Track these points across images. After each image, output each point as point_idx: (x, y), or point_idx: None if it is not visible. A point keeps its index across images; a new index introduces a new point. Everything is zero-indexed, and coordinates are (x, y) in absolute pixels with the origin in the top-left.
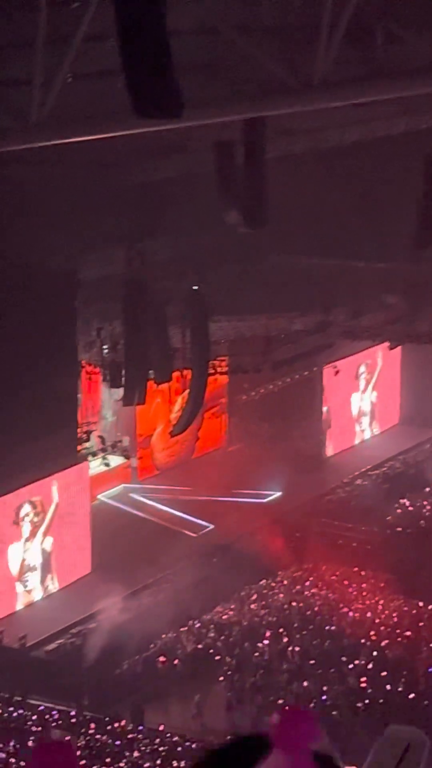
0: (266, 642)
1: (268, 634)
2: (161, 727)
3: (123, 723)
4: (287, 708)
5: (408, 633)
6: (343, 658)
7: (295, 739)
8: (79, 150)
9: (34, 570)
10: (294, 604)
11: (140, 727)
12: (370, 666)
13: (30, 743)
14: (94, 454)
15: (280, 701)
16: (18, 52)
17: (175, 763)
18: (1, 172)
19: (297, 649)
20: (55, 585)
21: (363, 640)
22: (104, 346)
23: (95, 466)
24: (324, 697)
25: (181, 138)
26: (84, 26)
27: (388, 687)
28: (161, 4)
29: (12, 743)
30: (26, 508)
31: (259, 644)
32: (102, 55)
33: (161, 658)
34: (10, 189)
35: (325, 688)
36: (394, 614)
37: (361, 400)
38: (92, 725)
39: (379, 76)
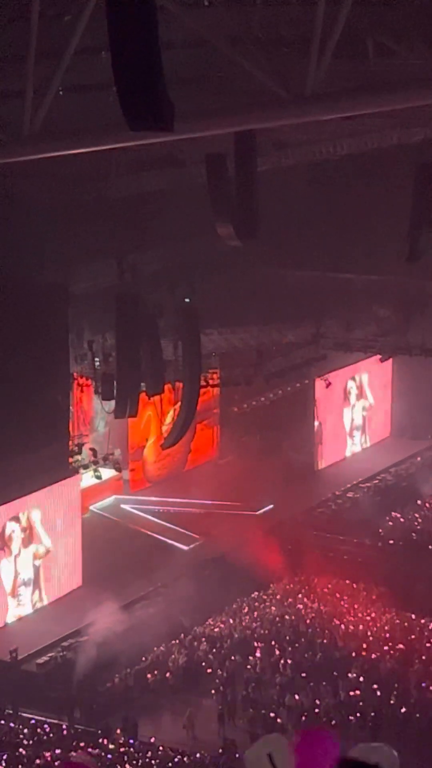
0: (258, 655)
1: (260, 646)
2: (153, 740)
3: (115, 736)
4: (307, 730)
5: (400, 645)
6: (335, 671)
7: (316, 762)
8: (71, 163)
9: (27, 585)
10: (286, 616)
11: (132, 741)
12: (362, 679)
13: (23, 751)
14: (85, 467)
15: (272, 714)
16: (10, 65)
17: None
18: None
19: (289, 661)
20: (45, 599)
21: (355, 653)
22: (96, 359)
23: (87, 478)
24: (316, 711)
25: (172, 151)
26: (76, 39)
27: (380, 700)
28: (153, 17)
29: (4, 756)
30: (13, 524)
31: (251, 657)
32: (94, 68)
33: (153, 672)
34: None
35: (317, 701)
36: (386, 627)
37: (352, 413)
38: (84, 739)
39: (371, 89)
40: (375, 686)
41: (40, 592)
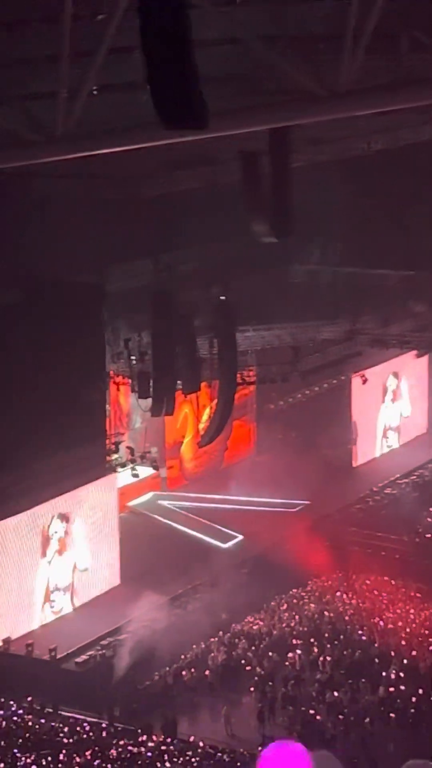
0: (297, 652)
1: (298, 644)
2: (192, 738)
3: (154, 734)
4: (276, 743)
5: None
6: (374, 668)
7: None
8: (105, 162)
9: (63, 587)
10: (325, 614)
11: (172, 739)
12: (401, 676)
13: (62, 756)
14: (123, 465)
15: (311, 711)
16: (43, 65)
17: None
18: (26, 186)
19: (328, 659)
20: (82, 599)
21: (394, 650)
22: (132, 357)
23: (124, 477)
24: (355, 707)
25: (206, 149)
26: (109, 38)
27: (420, 697)
28: (186, 15)
29: (44, 755)
30: (54, 524)
31: (290, 654)
32: (127, 67)
33: (192, 669)
34: (35, 203)
35: (356, 699)
36: (426, 623)
37: (389, 409)
38: (123, 737)
39: (405, 84)
40: (414, 683)
41: (80, 591)
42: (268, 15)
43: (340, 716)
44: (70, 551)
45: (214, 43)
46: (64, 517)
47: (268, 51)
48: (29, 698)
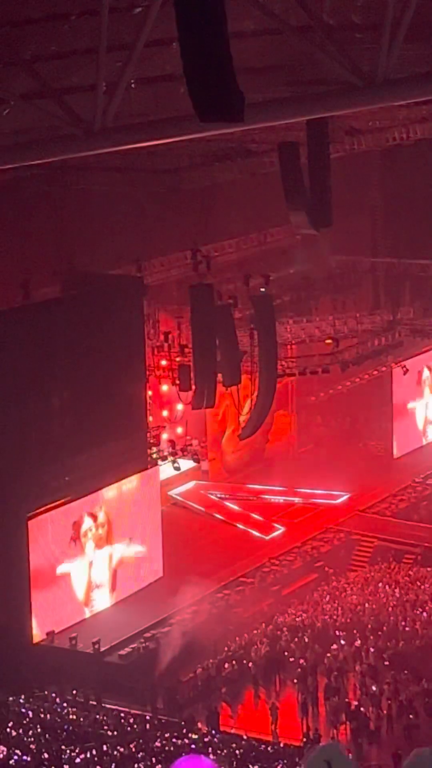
0: (341, 643)
1: (341, 635)
2: (236, 731)
3: (198, 727)
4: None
5: None
6: (418, 659)
7: None
8: (144, 155)
9: (104, 580)
10: (367, 605)
11: (215, 731)
12: None
13: (105, 748)
14: (164, 458)
15: (355, 703)
16: (81, 60)
17: (250, 767)
18: (65, 180)
19: (371, 650)
20: (125, 591)
21: None
22: (172, 350)
23: (166, 469)
24: (400, 699)
25: (244, 141)
26: (146, 31)
27: None
28: (222, 7)
29: (89, 747)
30: (96, 517)
31: (333, 646)
32: (164, 60)
33: (235, 662)
34: (74, 197)
35: (399, 690)
36: None
37: (429, 399)
38: (167, 729)
39: None
40: None
41: (114, 587)
42: (305, 5)
43: (383, 708)
44: (111, 544)
45: (251, 34)
46: (106, 511)
47: (305, 41)
48: (73, 691)
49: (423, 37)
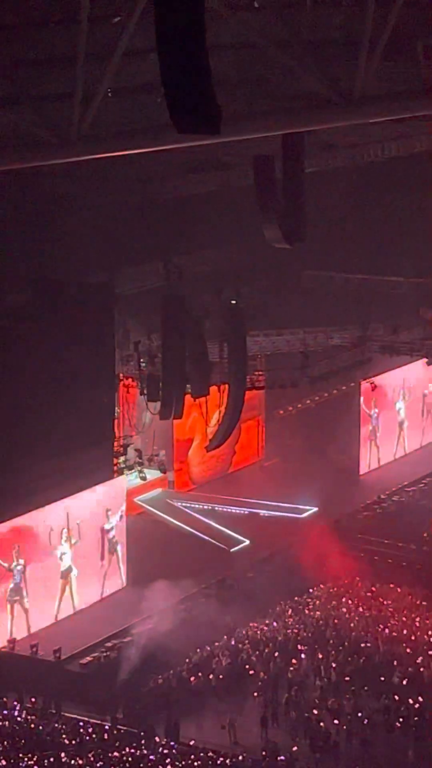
0: (302, 657)
1: (303, 650)
2: (195, 743)
3: (157, 738)
4: None
5: None
6: (379, 676)
7: None
8: (118, 165)
9: (69, 588)
10: (330, 620)
11: (174, 743)
12: (405, 683)
13: (64, 757)
14: (130, 468)
15: (315, 717)
16: (59, 67)
17: None
18: (38, 187)
19: (332, 665)
20: (88, 600)
21: (399, 658)
22: (142, 360)
23: (132, 479)
24: (359, 715)
25: (220, 153)
26: (125, 41)
27: (423, 705)
28: (201, 19)
29: (47, 756)
30: (62, 525)
31: (294, 660)
32: (142, 70)
33: (196, 673)
34: (48, 203)
35: (359, 705)
36: (430, 632)
37: (398, 416)
38: (126, 739)
39: (419, 92)
40: (418, 691)
41: (78, 596)
42: (284, 20)
43: (343, 723)
44: (76, 551)
45: (230, 47)
46: (72, 518)
47: (284, 56)
48: (33, 699)
49: (401, 56)
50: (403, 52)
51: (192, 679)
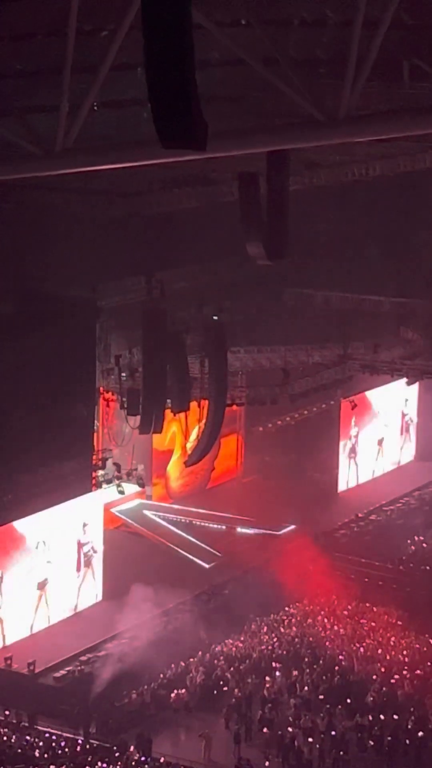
0: (276, 675)
1: (278, 667)
2: (168, 758)
3: (129, 753)
4: None
5: (418, 671)
6: (353, 694)
7: None
8: (103, 178)
9: (43, 601)
10: (305, 638)
11: (146, 758)
12: (379, 702)
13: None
14: (109, 482)
15: (288, 735)
16: (45, 79)
17: None
18: (22, 199)
19: (307, 683)
20: (62, 614)
21: (373, 677)
22: (122, 374)
23: (110, 493)
24: (333, 733)
25: (205, 169)
26: (112, 55)
27: (397, 724)
28: (189, 35)
29: None
30: (38, 538)
31: (269, 677)
32: (129, 84)
33: (170, 689)
34: (31, 216)
35: (333, 724)
36: (405, 651)
37: (377, 435)
38: (98, 754)
39: (405, 112)
40: (392, 711)
41: (52, 609)
42: (271, 37)
43: (316, 741)
44: (52, 565)
45: (217, 63)
46: (48, 531)
47: (270, 73)
48: (6, 711)
49: (387, 76)
50: (389, 72)
51: (166, 694)
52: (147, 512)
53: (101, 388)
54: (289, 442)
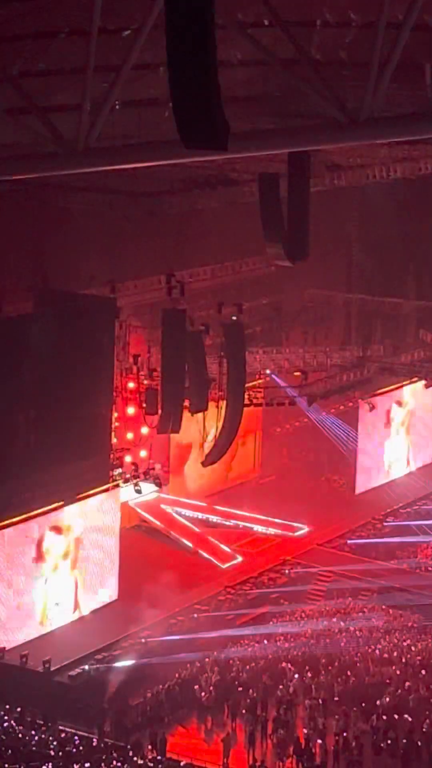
0: (292, 676)
1: (293, 668)
2: (182, 758)
3: (144, 752)
4: None
5: None
6: (368, 697)
7: None
8: (124, 178)
9: (60, 599)
10: (320, 639)
11: (161, 757)
12: (393, 705)
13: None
14: (126, 481)
15: (302, 736)
16: (68, 79)
17: None
18: (43, 198)
19: (321, 684)
20: (79, 612)
21: (389, 679)
22: (141, 373)
23: (127, 492)
24: (345, 734)
25: (225, 169)
26: (134, 54)
27: (412, 727)
28: (212, 36)
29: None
30: (54, 536)
31: (283, 678)
32: (151, 84)
33: (185, 688)
34: (52, 215)
35: (347, 725)
36: (420, 655)
37: (395, 437)
38: (113, 752)
39: (427, 114)
40: (406, 713)
41: (69, 607)
42: (293, 39)
43: (330, 743)
44: (68, 563)
45: (239, 63)
46: (65, 530)
47: (292, 74)
48: (20, 709)
49: (409, 78)
50: (412, 74)
51: (181, 693)
52: (164, 506)
53: (119, 387)
54: (306, 443)
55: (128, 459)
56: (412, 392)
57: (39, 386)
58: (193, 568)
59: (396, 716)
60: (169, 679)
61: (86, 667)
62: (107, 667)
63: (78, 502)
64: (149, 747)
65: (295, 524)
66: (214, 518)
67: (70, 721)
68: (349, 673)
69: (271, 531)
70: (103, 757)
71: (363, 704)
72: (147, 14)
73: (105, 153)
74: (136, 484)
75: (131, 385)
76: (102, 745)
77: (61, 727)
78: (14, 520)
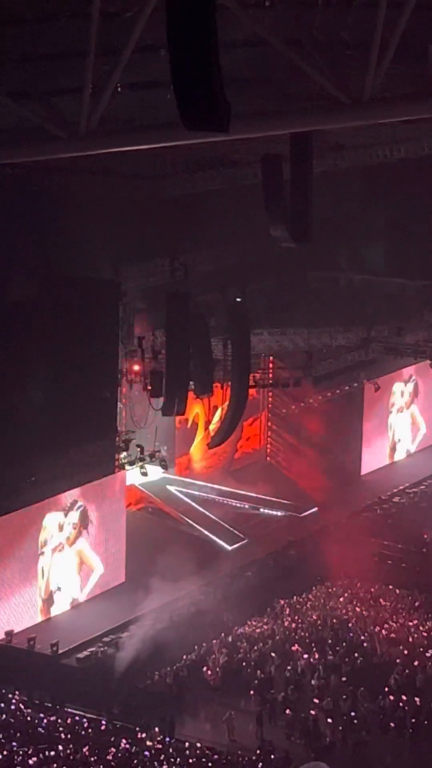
0: (299, 657)
1: (300, 649)
2: (191, 739)
3: (153, 734)
4: None
5: None
6: (375, 677)
7: None
8: (126, 160)
9: (67, 582)
10: (328, 620)
11: (170, 739)
12: (401, 685)
13: (59, 751)
14: (131, 464)
15: (310, 717)
16: (69, 62)
17: None
18: (45, 182)
19: (329, 665)
20: (87, 595)
21: (396, 659)
22: (146, 356)
23: (133, 475)
24: (353, 714)
25: (228, 151)
26: (136, 37)
27: (420, 707)
28: (213, 17)
29: (43, 750)
30: (61, 520)
31: (291, 659)
32: (152, 66)
33: (193, 670)
34: (54, 198)
35: (355, 706)
36: (428, 634)
37: (400, 418)
38: (122, 735)
39: (429, 94)
40: (414, 694)
41: (85, 588)
42: (295, 19)
43: (339, 723)
44: (75, 547)
45: (240, 45)
46: (71, 514)
47: (294, 55)
48: (29, 692)
49: (411, 58)
50: (414, 54)
51: (188, 675)
52: (170, 487)
53: (124, 370)
54: (312, 424)
55: (133, 442)
56: (417, 372)
57: (44, 370)
58: (200, 550)
59: (404, 696)
60: (176, 661)
61: (94, 649)
62: (115, 650)
63: (84, 486)
64: (157, 729)
65: (302, 505)
66: (220, 499)
67: (79, 704)
68: (356, 653)
69: (278, 512)
70: (112, 740)
71: (371, 685)
72: None
73: (107, 136)
74: (142, 467)
75: (136, 367)
76: (110, 727)
77: (69, 710)
78: (20, 503)
